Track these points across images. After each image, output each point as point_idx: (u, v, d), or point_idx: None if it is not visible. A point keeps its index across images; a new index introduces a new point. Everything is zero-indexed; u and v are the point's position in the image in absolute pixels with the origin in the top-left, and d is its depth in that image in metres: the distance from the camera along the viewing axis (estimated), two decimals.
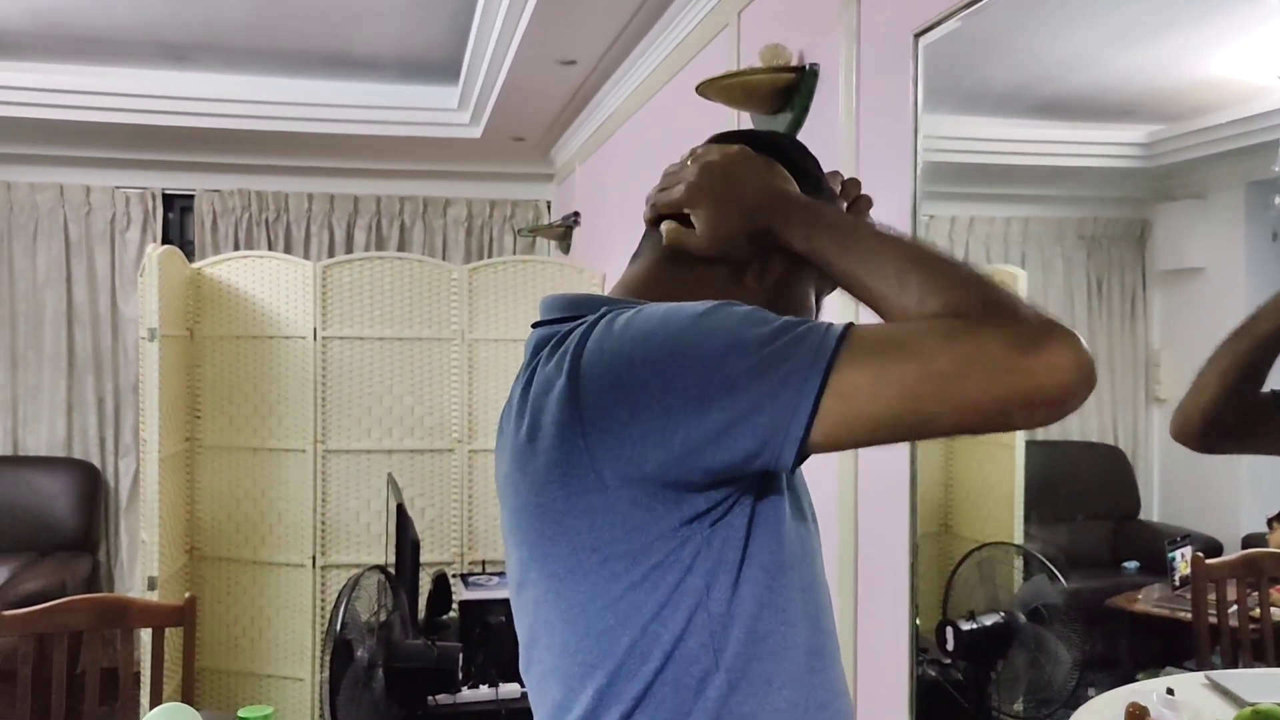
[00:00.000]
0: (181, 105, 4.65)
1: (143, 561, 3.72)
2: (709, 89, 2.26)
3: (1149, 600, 2.00)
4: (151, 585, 3.57)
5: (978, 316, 0.73)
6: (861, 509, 2.03)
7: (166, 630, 2.40)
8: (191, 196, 5.24)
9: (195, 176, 5.22)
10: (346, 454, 4.07)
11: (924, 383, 0.71)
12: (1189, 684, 1.69)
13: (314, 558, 4.04)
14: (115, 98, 4.60)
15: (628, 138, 3.91)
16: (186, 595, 2.43)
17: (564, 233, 4.95)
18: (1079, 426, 2.15)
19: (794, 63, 2.22)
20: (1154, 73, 1.77)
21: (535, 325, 0.92)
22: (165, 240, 5.19)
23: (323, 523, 4.06)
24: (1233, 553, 1.83)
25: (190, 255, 4.98)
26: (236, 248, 5.13)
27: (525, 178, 5.50)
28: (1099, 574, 2.08)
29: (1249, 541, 1.82)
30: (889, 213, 1.84)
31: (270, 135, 4.87)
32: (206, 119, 4.70)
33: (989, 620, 2.04)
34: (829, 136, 2.07)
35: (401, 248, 5.34)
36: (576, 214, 4.81)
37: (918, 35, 1.72)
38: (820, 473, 2.24)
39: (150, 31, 4.16)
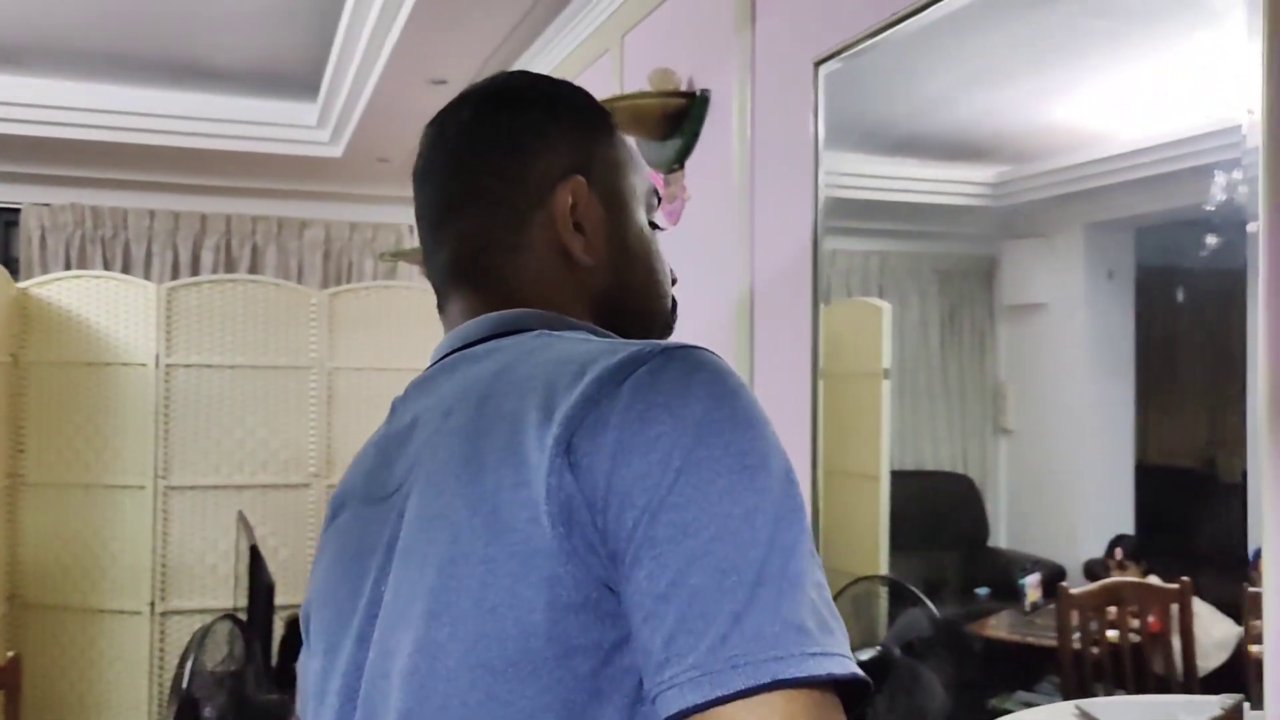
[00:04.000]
0: (9, 111, 4.28)
1: None
2: None
3: (1001, 626, 2.04)
4: None
5: None
6: None
7: None
8: (17, 210, 4.83)
9: (21, 189, 4.81)
10: (191, 490, 3.79)
11: None
12: (1060, 714, 1.70)
13: (152, 604, 3.74)
14: None
15: None
16: (10, 654, 2.17)
17: None
18: (933, 456, 2.19)
19: (683, 88, 2.17)
20: (1005, 115, 1.81)
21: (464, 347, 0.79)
22: None
23: (163, 565, 3.76)
24: (1074, 577, 1.86)
25: (14, 274, 4.57)
26: (68, 267, 4.75)
27: (389, 200, 5.29)
28: (953, 601, 2.11)
29: (1089, 567, 1.86)
30: (790, 245, 1.80)
31: (108, 146, 4.53)
32: (37, 126, 4.34)
33: (865, 655, 2.03)
34: (724, 165, 2.02)
35: (253, 270, 5.06)
36: None
37: (818, 64, 1.68)
38: None
39: None
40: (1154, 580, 1.76)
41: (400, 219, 5.38)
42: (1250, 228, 0.88)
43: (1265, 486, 0.89)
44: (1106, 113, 1.69)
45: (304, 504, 3.91)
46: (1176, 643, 1.72)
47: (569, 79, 2.97)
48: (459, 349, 0.79)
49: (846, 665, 0.57)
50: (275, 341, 3.91)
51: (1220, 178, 0.96)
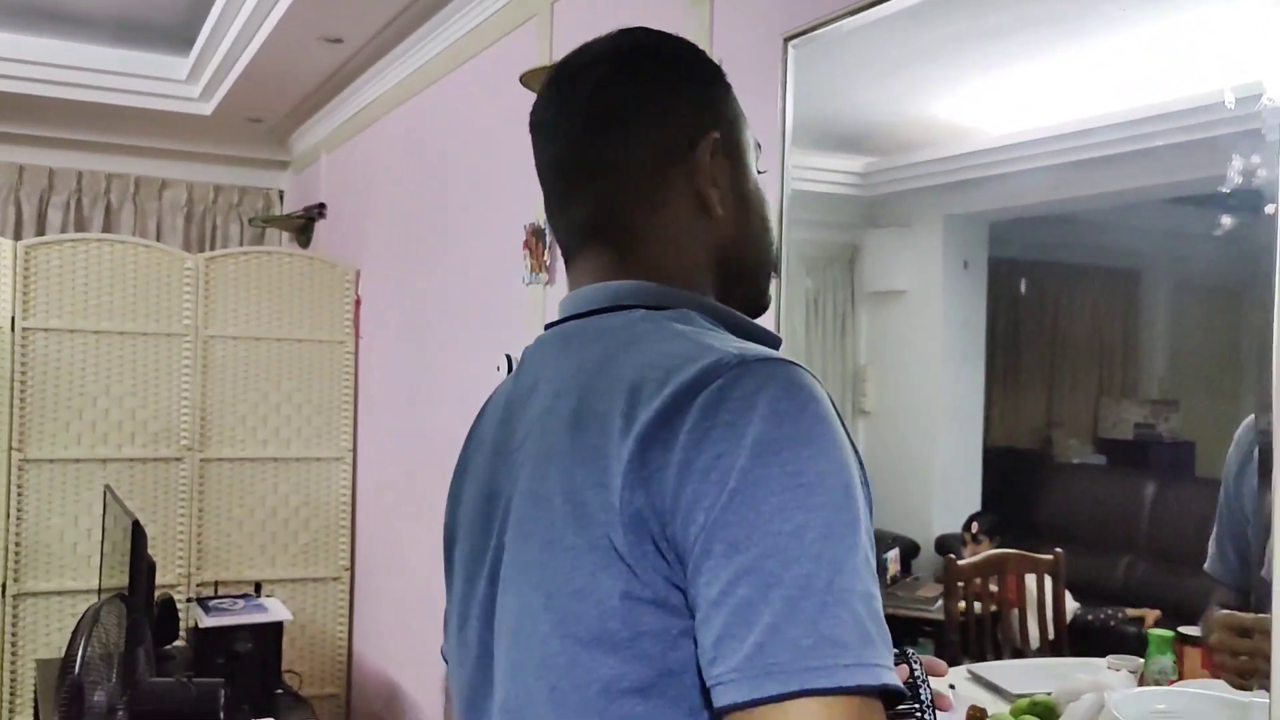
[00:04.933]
0: None
1: None
2: (534, 79, 2.14)
3: None
4: None
5: None
6: None
7: None
8: None
9: None
10: (50, 463, 3.55)
11: None
12: (954, 678, 1.79)
13: (3, 585, 3.48)
14: None
15: (394, 127, 3.68)
16: None
17: (304, 225, 4.60)
18: None
19: None
20: (878, 107, 1.87)
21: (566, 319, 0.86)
22: None
23: (16, 543, 3.51)
24: (927, 552, 1.98)
25: None
26: None
27: (257, 163, 5.04)
28: None
29: (942, 542, 1.98)
30: None
31: None
32: None
33: None
34: None
35: (107, 230, 4.73)
36: (322, 205, 4.49)
37: (788, 39, 1.71)
38: None
39: None
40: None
41: (269, 183, 5.13)
42: (1269, 209, 0.96)
43: (1277, 471, 0.96)
44: (979, 110, 1.78)
45: (175, 478, 3.71)
46: (1035, 613, 1.84)
47: (485, 45, 2.87)
48: (579, 315, 0.84)
49: (878, 676, 0.63)
50: (145, 307, 3.68)
51: (1238, 161, 1.03)
